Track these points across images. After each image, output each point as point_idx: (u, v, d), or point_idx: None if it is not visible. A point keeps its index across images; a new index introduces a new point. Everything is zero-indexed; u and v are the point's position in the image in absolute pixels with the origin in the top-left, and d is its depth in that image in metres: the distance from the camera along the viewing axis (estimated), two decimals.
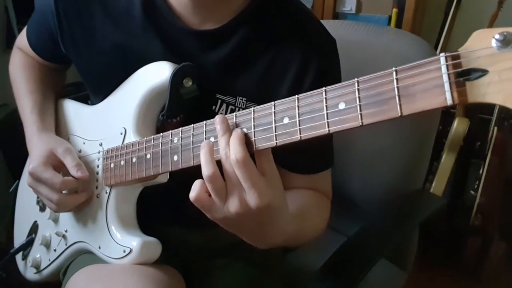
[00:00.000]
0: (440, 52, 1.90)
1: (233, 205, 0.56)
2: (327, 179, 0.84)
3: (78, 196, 0.80)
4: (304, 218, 0.71)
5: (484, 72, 0.40)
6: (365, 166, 1.10)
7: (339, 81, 0.79)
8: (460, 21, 2.00)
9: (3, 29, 1.63)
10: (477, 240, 1.85)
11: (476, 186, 1.84)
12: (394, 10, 1.91)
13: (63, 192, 0.79)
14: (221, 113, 0.75)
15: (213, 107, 0.75)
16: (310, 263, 0.90)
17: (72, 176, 0.78)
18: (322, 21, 0.83)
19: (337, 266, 0.80)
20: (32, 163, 0.80)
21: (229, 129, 0.57)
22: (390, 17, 1.93)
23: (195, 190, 0.58)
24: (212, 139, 0.60)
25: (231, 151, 0.55)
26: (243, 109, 0.74)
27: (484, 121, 1.95)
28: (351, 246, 0.86)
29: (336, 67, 0.79)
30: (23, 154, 1.03)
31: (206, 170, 0.56)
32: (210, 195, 0.58)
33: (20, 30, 1.01)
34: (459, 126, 1.69)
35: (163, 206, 0.82)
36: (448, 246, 1.88)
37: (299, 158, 0.73)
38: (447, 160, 1.67)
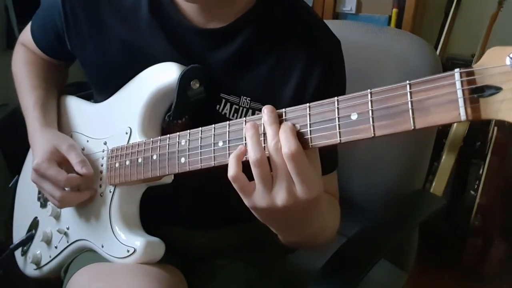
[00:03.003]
0: (440, 52, 1.90)
1: (280, 197, 0.54)
2: (333, 180, 0.85)
3: (81, 194, 0.80)
4: (326, 213, 0.69)
5: (498, 89, 0.41)
6: (365, 166, 1.10)
7: (344, 83, 0.80)
8: (460, 21, 2.01)
9: (3, 29, 1.62)
10: (477, 240, 1.85)
11: (476, 186, 1.84)
12: (394, 10, 1.91)
13: (66, 189, 0.79)
14: (224, 113, 0.75)
15: (217, 106, 0.75)
16: (310, 264, 0.90)
17: (77, 173, 0.78)
18: None
19: (337, 266, 0.81)
20: (36, 159, 0.80)
21: (277, 120, 0.55)
22: (390, 17, 1.94)
23: (232, 168, 0.55)
24: (220, 144, 0.60)
25: (284, 144, 0.52)
26: (247, 109, 0.74)
27: (484, 121, 1.95)
28: (351, 247, 0.86)
29: (341, 69, 0.80)
30: (23, 154, 1.03)
31: (253, 154, 0.54)
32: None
33: (20, 30, 1.01)
34: (459, 126, 1.69)
35: (166, 206, 0.82)
36: (448, 246, 1.88)
37: None
38: (447, 160, 1.67)
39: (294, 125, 0.54)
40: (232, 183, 0.56)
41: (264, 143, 0.55)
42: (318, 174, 0.55)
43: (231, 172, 0.55)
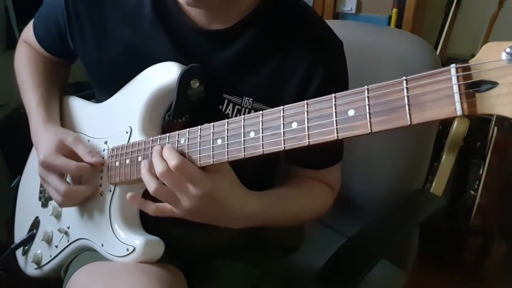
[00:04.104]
0: (440, 52, 1.90)
1: (185, 202, 0.65)
2: (335, 173, 0.86)
3: (85, 188, 0.80)
4: (285, 202, 0.78)
5: (494, 84, 0.41)
6: (365, 166, 1.10)
7: (346, 84, 0.81)
8: (460, 21, 2.01)
9: (3, 29, 1.62)
10: (477, 240, 1.84)
11: (476, 186, 1.84)
12: (394, 10, 1.92)
13: (71, 185, 0.80)
14: (227, 113, 0.76)
15: (220, 106, 0.76)
16: (311, 264, 0.90)
17: (86, 163, 0.78)
18: None
19: (337, 266, 0.81)
20: (43, 153, 0.80)
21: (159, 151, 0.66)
22: (390, 17, 1.94)
23: (150, 207, 0.69)
24: (219, 141, 0.61)
25: (170, 161, 0.63)
26: (249, 109, 0.75)
27: (484, 121, 1.95)
28: (351, 247, 0.86)
29: (343, 70, 0.80)
30: (23, 154, 1.03)
31: (151, 186, 0.66)
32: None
33: (20, 30, 1.01)
34: (459, 126, 1.69)
35: None
36: (448, 246, 1.87)
37: (308, 155, 0.74)
38: (447, 160, 1.67)
39: (167, 144, 0.67)
40: (159, 215, 0.69)
41: None
42: (216, 178, 0.65)
43: (151, 210, 0.69)
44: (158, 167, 0.64)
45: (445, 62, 2.02)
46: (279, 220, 0.79)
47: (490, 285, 1.80)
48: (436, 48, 1.94)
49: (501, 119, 1.87)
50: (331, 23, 0.83)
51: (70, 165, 0.78)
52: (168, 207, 0.68)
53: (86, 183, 0.81)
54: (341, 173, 0.88)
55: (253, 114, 0.59)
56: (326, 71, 0.75)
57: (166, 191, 0.65)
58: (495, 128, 1.87)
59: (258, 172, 0.85)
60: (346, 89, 0.80)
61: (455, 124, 1.68)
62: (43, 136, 0.83)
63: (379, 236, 0.90)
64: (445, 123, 1.76)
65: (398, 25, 1.91)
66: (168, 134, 0.69)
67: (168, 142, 0.68)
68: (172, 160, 0.63)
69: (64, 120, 0.91)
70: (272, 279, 0.89)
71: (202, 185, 0.63)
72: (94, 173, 0.80)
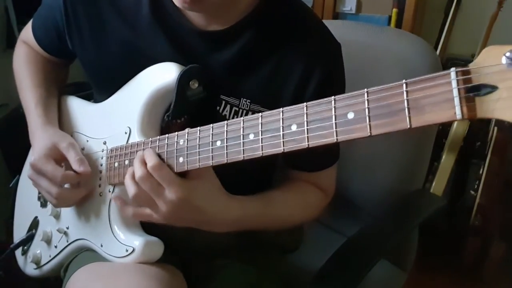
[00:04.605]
0: (440, 52, 1.90)
1: (162, 206, 0.66)
2: (329, 175, 0.85)
3: (78, 191, 0.80)
4: (270, 207, 0.78)
5: (493, 88, 0.41)
6: (365, 166, 1.10)
7: (343, 86, 0.81)
8: (460, 21, 2.01)
9: (3, 29, 1.62)
10: (477, 240, 1.85)
11: (476, 186, 1.84)
12: (394, 10, 1.92)
13: (63, 186, 0.79)
14: (224, 114, 0.76)
15: (217, 107, 0.76)
16: (310, 264, 0.90)
17: (74, 171, 0.78)
18: None
19: (337, 266, 0.81)
20: (34, 155, 0.80)
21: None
22: (390, 17, 1.94)
23: (128, 211, 0.71)
24: (218, 143, 0.61)
25: (147, 162, 0.66)
26: (247, 110, 0.75)
27: (484, 121, 1.95)
28: (351, 247, 0.86)
29: (340, 72, 0.80)
30: (23, 154, 1.03)
31: (131, 190, 0.67)
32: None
33: (20, 30, 1.01)
34: (459, 126, 1.69)
35: None
36: (448, 246, 1.88)
37: (302, 158, 0.73)
38: (447, 160, 1.67)
39: (149, 149, 0.69)
40: (140, 219, 0.73)
41: None
42: (194, 185, 0.66)
43: (130, 214, 0.71)
44: (137, 171, 0.66)
45: (445, 62, 2.02)
46: (265, 224, 0.79)
47: (489, 285, 1.80)
48: (436, 48, 1.94)
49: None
50: (331, 23, 0.83)
51: (56, 173, 0.77)
52: (146, 212, 0.69)
53: (84, 183, 0.81)
54: (338, 175, 0.87)
55: (252, 116, 0.59)
56: (324, 73, 0.75)
57: (145, 196, 0.67)
58: (495, 128, 1.87)
59: (258, 171, 0.85)
60: (343, 91, 0.80)
61: (455, 124, 1.68)
62: (40, 138, 0.83)
63: (379, 236, 0.90)
64: (445, 123, 1.76)
65: (398, 25, 1.91)
66: (167, 135, 0.69)
67: (167, 143, 0.68)
68: (150, 162, 0.66)
69: (63, 120, 0.91)
70: (272, 279, 0.89)
71: (178, 189, 0.65)
72: (91, 176, 0.80)
